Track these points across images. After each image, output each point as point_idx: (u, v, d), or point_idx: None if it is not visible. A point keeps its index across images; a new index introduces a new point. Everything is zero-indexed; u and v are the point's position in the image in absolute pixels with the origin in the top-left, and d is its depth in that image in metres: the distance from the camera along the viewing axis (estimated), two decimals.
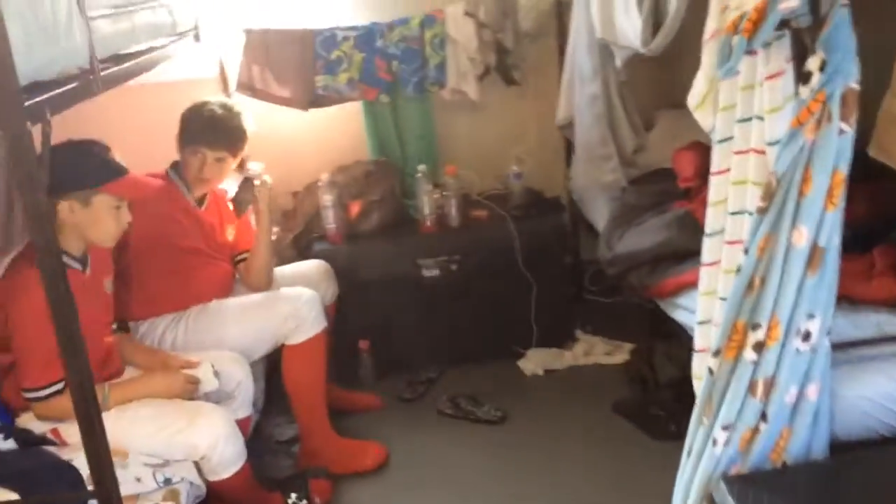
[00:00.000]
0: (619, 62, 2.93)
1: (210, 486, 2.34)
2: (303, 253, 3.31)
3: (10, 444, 2.10)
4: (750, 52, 1.64)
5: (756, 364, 1.68)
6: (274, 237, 3.08)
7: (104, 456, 1.73)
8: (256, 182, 2.81)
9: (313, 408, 2.82)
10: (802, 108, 1.57)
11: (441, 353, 3.41)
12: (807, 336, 1.67)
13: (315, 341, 2.75)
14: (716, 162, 1.85)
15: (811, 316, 1.65)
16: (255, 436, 2.96)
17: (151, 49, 2.37)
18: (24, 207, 1.55)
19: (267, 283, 2.89)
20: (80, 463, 2.05)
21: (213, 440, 2.25)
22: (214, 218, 2.86)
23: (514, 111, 3.73)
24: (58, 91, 1.65)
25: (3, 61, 1.43)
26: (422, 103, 3.49)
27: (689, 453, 1.87)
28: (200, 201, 2.83)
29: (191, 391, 2.38)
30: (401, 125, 3.53)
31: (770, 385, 1.68)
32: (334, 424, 2.94)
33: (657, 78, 3.55)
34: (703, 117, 1.94)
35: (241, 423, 2.57)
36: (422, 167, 3.30)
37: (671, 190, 2.85)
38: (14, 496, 1.86)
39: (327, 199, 3.23)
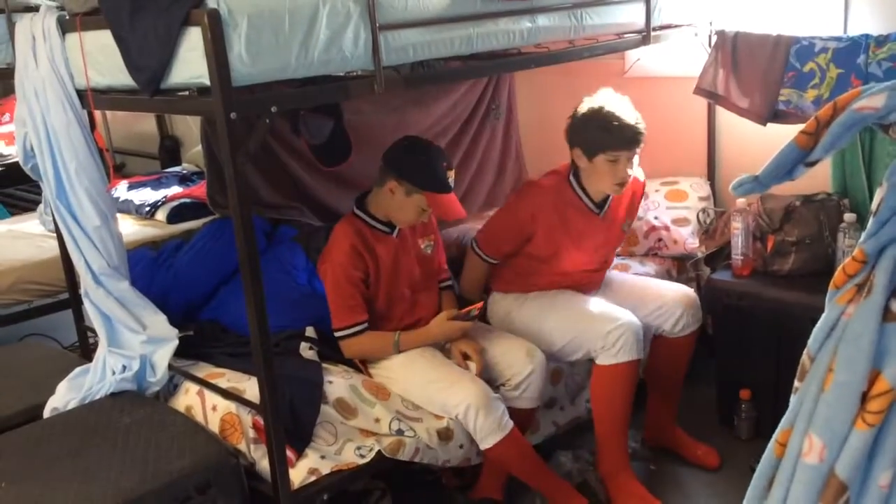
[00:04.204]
0: None
1: (485, 454, 2.54)
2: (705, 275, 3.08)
3: (311, 355, 2.66)
4: None
5: None
6: None
7: (272, 388, 2.13)
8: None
9: (610, 434, 2.71)
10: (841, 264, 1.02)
11: None
12: None
13: (617, 370, 2.63)
14: None
15: None
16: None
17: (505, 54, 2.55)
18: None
19: None
20: (335, 388, 2.51)
21: (465, 406, 2.44)
22: (610, 224, 2.85)
23: None
24: (287, 90, 2.04)
25: (220, 69, 1.87)
26: None
27: None
28: (600, 208, 2.82)
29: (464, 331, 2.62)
30: (874, 163, 2.89)
31: None
32: (667, 463, 2.82)
33: None
34: None
35: (525, 414, 2.69)
36: (850, 216, 2.69)
37: None
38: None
39: (736, 226, 2.92)
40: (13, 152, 5.78)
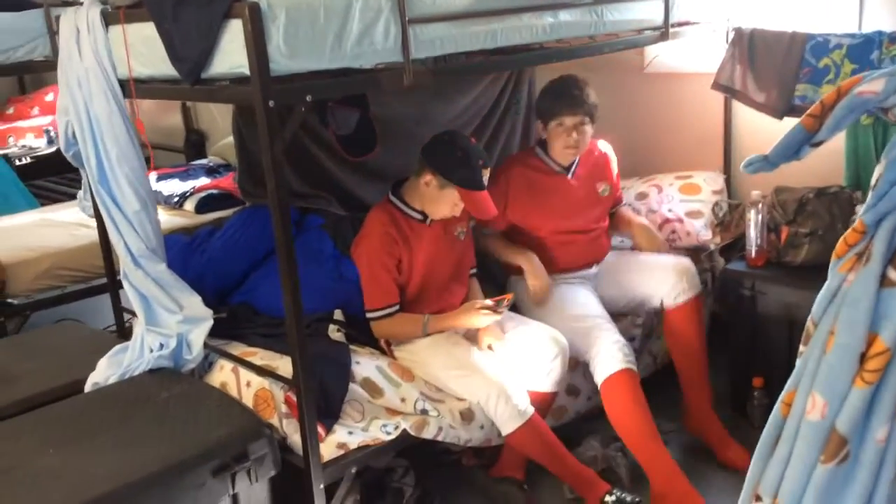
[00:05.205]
0: None
1: (506, 439, 2.62)
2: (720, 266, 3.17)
3: (340, 337, 2.76)
4: None
5: None
6: None
7: (305, 365, 2.23)
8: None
9: (642, 448, 2.69)
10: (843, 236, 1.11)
11: None
12: None
13: (618, 380, 2.68)
14: None
15: None
16: None
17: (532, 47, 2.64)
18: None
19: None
20: (362, 369, 2.61)
21: (486, 394, 2.54)
22: (582, 184, 3.03)
23: None
24: (321, 80, 2.15)
25: (259, 60, 1.98)
26: None
27: None
28: (567, 170, 3.02)
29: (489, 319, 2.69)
30: None
31: None
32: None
33: None
34: None
35: (546, 397, 2.77)
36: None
37: None
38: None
39: (751, 218, 3.00)
40: (42, 145, 5.93)
